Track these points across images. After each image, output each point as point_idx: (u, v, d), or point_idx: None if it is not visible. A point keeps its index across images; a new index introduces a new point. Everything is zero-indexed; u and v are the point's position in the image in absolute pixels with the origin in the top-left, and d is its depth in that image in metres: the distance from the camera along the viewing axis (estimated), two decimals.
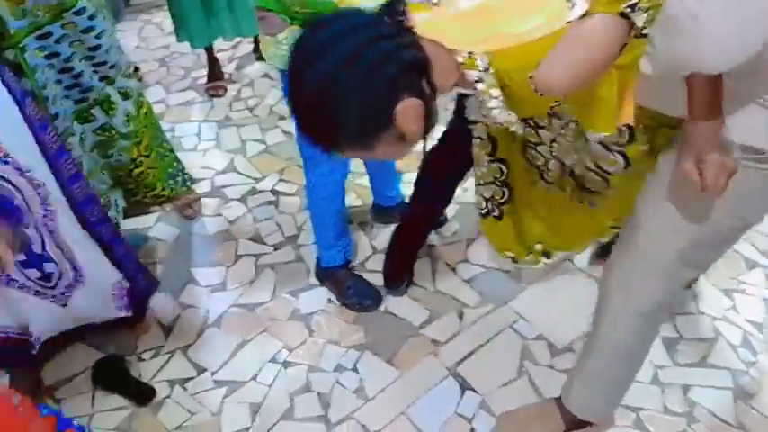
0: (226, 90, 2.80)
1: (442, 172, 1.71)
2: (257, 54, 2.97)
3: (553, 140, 1.29)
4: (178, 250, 2.10)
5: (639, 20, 0.85)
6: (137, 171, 1.92)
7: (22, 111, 1.29)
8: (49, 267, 1.44)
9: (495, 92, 0.94)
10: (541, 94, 0.91)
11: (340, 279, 1.90)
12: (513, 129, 1.01)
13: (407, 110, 0.85)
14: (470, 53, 0.90)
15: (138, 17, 3.40)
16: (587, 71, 0.89)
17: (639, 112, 1.08)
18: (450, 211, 2.08)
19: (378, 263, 1.99)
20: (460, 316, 1.85)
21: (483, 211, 1.58)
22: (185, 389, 1.70)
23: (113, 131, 1.77)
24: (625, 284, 1.24)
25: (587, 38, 0.86)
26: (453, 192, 1.81)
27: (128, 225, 2.08)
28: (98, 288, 1.57)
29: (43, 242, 1.40)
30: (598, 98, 0.99)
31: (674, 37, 0.81)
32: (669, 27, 0.81)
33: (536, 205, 1.52)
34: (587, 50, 0.87)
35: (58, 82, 1.57)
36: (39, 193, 1.34)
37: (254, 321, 1.86)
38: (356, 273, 1.94)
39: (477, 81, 0.92)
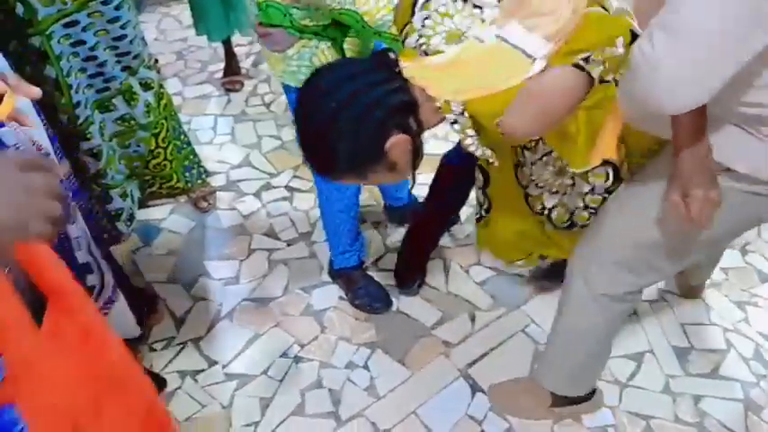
0: (242, 85, 2.81)
1: (456, 175, 1.72)
2: None
3: (533, 163, 1.31)
4: (192, 243, 2.11)
5: (595, 71, 0.94)
6: (154, 162, 1.93)
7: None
8: (91, 280, 1.36)
9: (470, 131, 1.05)
10: (507, 137, 1.01)
11: (352, 280, 1.90)
12: (490, 161, 1.11)
13: (396, 145, 0.98)
14: (446, 101, 1.01)
15: (156, 9, 3.42)
16: (545, 118, 0.99)
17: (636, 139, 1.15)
18: (463, 213, 2.08)
19: (390, 262, 2.00)
20: (472, 318, 1.85)
21: (477, 216, 1.58)
22: (196, 381, 1.70)
23: (133, 122, 1.78)
24: (584, 272, 1.30)
25: (545, 88, 0.96)
26: (467, 194, 1.81)
27: (141, 216, 2.09)
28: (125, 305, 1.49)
29: (88, 245, 1.33)
30: (568, 136, 1.08)
31: (634, 82, 0.86)
32: (630, 72, 0.87)
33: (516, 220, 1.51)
34: (545, 98, 0.97)
35: (83, 70, 1.58)
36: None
37: (267, 316, 1.87)
38: (369, 274, 1.94)
39: (453, 122, 1.03)
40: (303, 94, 1.00)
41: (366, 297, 1.88)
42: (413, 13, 1.04)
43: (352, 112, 0.95)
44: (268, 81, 2.87)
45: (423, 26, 1.03)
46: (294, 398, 1.66)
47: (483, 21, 1.00)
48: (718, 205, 0.98)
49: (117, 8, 1.56)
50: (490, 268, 2.00)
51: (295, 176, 2.36)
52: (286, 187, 2.30)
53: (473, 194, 1.81)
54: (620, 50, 0.94)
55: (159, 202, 2.20)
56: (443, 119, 1.04)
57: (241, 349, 1.78)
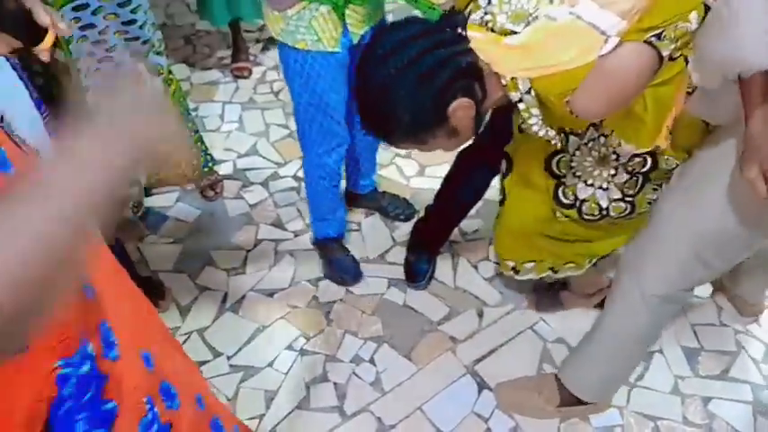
0: (251, 72, 2.78)
1: (472, 171, 1.70)
2: None
3: (577, 148, 1.29)
4: (198, 232, 2.09)
5: (666, 50, 0.92)
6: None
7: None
8: None
9: (535, 110, 1.03)
10: (577, 116, 0.98)
11: (328, 251, 1.94)
12: (553, 142, 1.08)
13: (460, 108, 0.95)
14: (513, 78, 0.98)
15: None
16: (618, 97, 0.97)
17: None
18: (473, 208, 2.05)
19: (398, 255, 1.98)
20: (480, 314, 1.84)
21: (500, 198, 1.56)
22: (201, 372, 1.69)
23: None
24: (636, 267, 1.27)
25: (616, 66, 0.93)
26: (483, 191, 1.79)
27: (148, 203, 2.07)
28: None
29: None
30: (634, 116, 1.05)
31: (715, 40, 0.85)
32: (710, 31, 0.85)
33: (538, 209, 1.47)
34: (617, 77, 0.94)
35: (92, 54, 1.56)
36: None
37: (273, 307, 1.85)
38: (346, 247, 1.96)
39: (518, 101, 1.00)
40: (366, 52, 0.97)
41: (339, 269, 1.92)
42: None
43: (417, 72, 0.91)
44: (276, 69, 2.83)
45: (489, 3, 1.00)
46: (299, 391, 1.65)
47: (551, 1, 0.97)
48: None
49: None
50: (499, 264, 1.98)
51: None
52: (294, 177, 2.28)
53: (490, 191, 1.80)
54: (694, 25, 0.91)
55: (165, 190, 2.18)
56: (504, 99, 1.02)
57: (246, 341, 1.77)
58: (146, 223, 2.09)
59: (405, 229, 2.06)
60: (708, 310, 1.85)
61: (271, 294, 1.89)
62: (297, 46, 1.45)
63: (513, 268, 1.61)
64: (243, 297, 1.88)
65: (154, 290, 1.83)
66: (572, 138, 1.28)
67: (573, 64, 0.93)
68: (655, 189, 1.36)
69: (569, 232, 1.46)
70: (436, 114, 0.95)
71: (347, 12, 1.43)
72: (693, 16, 0.91)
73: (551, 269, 1.59)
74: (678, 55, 0.97)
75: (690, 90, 1.15)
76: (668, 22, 0.90)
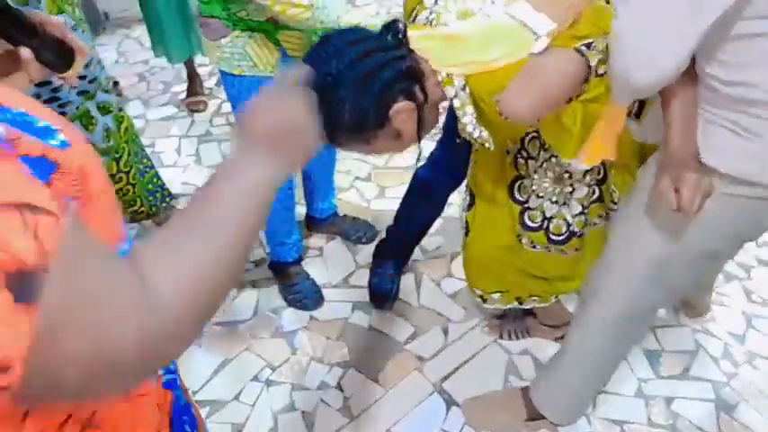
0: (206, 105, 2.78)
1: (428, 189, 1.73)
2: None
3: (535, 171, 1.34)
4: None
5: (594, 59, 0.95)
6: (116, 187, 1.89)
7: None
8: None
9: (470, 109, 1.04)
10: (506, 118, 1.00)
11: (287, 275, 1.94)
12: (487, 145, 1.09)
13: (401, 112, 0.96)
14: (449, 74, 1.00)
15: (117, 31, 3.37)
16: (545, 99, 0.98)
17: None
18: (434, 225, 2.08)
19: (361, 278, 1.98)
20: (445, 331, 1.85)
21: (465, 229, 1.59)
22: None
23: (92, 147, 1.74)
24: (597, 291, 1.29)
25: (545, 68, 0.96)
26: (440, 209, 1.82)
27: None
28: None
29: None
30: (562, 126, 1.08)
31: (611, 57, 0.90)
32: (610, 49, 0.90)
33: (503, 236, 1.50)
34: (545, 78, 0.96)
35: (36, 96, 1.54)
36: None
37: (236, 339, 1.83)
38: (305, 270, 1.96)
39: (453, 97, 1.02)
40: (311, 55, 0.98)
41: (298, 294, 1.91)
42: None
43: (358, 73, 0.93)
44: None
45: (435, 4, 1.04)
46: (267, 422, 1.63)
47: (493, 2, 1.01)
48: (709, 193, 0.97)
49: (71, 30, 1.53)
50: (461, 279, 1.99)
51: None
52: None
53: (449, 208, 1.84)
54: None
55: None
56: (442, 96, 1.03)
57: (211, 375, 1.74)
58: None
59: (367, 252, 2.06)
60: (665, 311, 1.89)
61: (234, 326, 1.87)
62: (234, 72, 1.49)
63: (481, 296, 1.63)
64: (206, 330, 1.86)
65: None
66: (530, 162, 1.32)
67: (503, 61, 0.96)
68: (604, 212, 1.41)
69: (535, 264, 1.49)
70: (377, 116, 0.96)
71: (281, 38, 1.46)
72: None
73: (517, 300, 1.62)
74: (604, 72, 1.00)
75: (633, 111, 1.20)
76: (597, 33, 0.94)
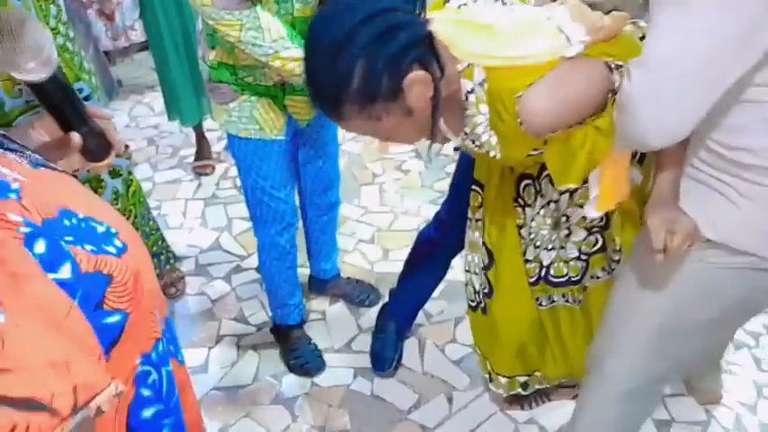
0: (214, 169, 2.84)
1: (432, 251, 1.73)
2: None
3: (532, 219, 1.33)
4: None
5: (616, 83, 0.94)
6: None
7: None
8: None
9: (484, 108, 0.98)
10: (521, 123, 0.94)
11: (289, 338, 1.91)
12: (492, 154, 1.03)
13: (416, 81, 0.88)
14: (470, 64, 0.94)
15: (129, 97, 3.48)
16: (567, 103, 0.95)
17: None
18: (437, 289, 2.07)
19: (363, 343, 1.96)
20: (450, 399, 1.80)
21: (473, 304, 1.57)
22: None
23: None
24: (600, 364, 1.24)
25: (574, 72, 0.94)
26: (444, 271, 1.82)
27: None
28: None
29: None
30: (569, 148, 1.04)
31: (618, 117, 0.88)
32: (616, 110, 0.89)
33: (522, 315, 1.49)
34: (571, 83, 0.94)
35: None
36: None
37: (236, 405, 1.79)
38: (307, 334, 1.94)
39: (469, 92, 0.96)
40: (319, 12, 0.92)
41: (300, 358, 1.88)
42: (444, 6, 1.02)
43: (373, 31, 0.85)
44: None
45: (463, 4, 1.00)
46: None
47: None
48: (696, 241, 0.96)
49: (86, 98, 1.58)
50: (466, 345, 1.97)
51: None
52: (256, 269, 2.27)
53: (452, 272, 1.83)
54: None
55: None
56: (457, 89, 0.97)
57: None
58: None
59: (370, 316, 2.04)
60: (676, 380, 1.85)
61: (234, 392, 1.83)
62: (240, 135, 1.52)
63: (489, 374, 1.62)
64: (205, 396, 1.82)
65: None
66: (527, 209, 1.31)
67: (535, 59, 0.93)
68: (607, 266, 1.40)
69: (550, 327, 1.48)
70: (390, 81, 0.87)
71: (287, 102, 1.51)
72: None
73: (522, 386, 1.61)
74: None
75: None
76: (625, 57, 0.93)
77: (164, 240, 2.09)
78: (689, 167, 0.97)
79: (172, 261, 2.14)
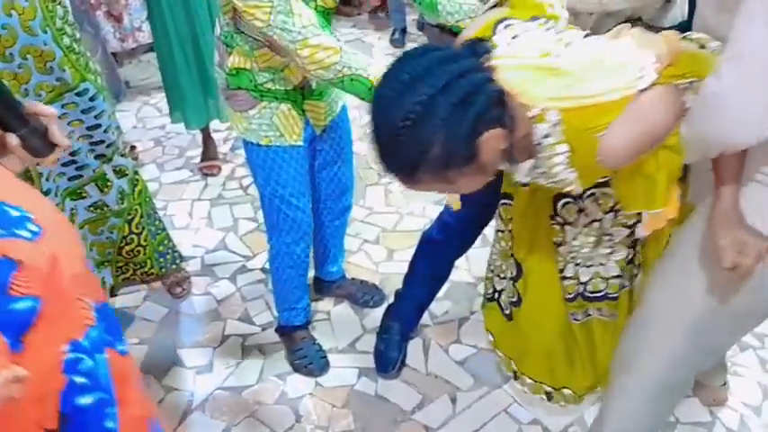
0: (220, 169, 2.85)
1: (436, 251, 1.73)
2: None
3: (574, 238, 1.31)
4: (164, 331, 2.06)
5: (689, 100, 0.92)
6: (127, 248, 1.91)
7: None
8: None
9: (562, 147, 0.96)
10: (600, 160, 0.94)
11: (294, 339, 1.91)
12: (571, 188, 1.03)
13: (491, 140, 0.88)
14: (543, 108, 0.93)
15: (137, 98, 3.50)
16: (646, 136, 0.94)
17: None
18: (441, 290, 2.07)
19: (368, 344, 1.96)
20: (453, 400, 1.80)
21: (488, 296, 1.57)
22: None
23: (106, 209, 1.78)
24: (633, 364, 1.22)
25: (651, 103, 0.92)
26: (449, 271, 1.82)
27: (114, 303, 2.05)
28: None
29: None
30: (642, 176, 1.02)
31: (703, 118, 0.86)
32: (698, 110, 0.87)
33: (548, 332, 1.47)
34: (651, 117, 0.93)
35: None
36: None
37: (240, 405, 1.80)
38: (312, 335, 1.94)
39: (545, 136, 0.95)
40: (386, 80, 0.89)
41: (304, 358, 1.88)
42: (494, 33, 1.00)
43: (451, 98, 0.83)
44: (245, 165, 2.90)
45: (509, 44, 0.97)
46: None
47: (570, 43, 0.98)
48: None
49: (92, 99, 1.59)
50: (470, 346, 1.97)
51: None
52: (261, 269, 2.28)
53: (456, 273, 1.83)
54: None
55: (133, 289, 2.17)
56: (528, 134, 0.95)
57: None
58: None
59: (374, 316, 2.05)
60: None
61: (239, 392, 1.84)
62: (261, 143, 1.51)
63: (515, 372, 1.61)
64: (210, 395, 1.83)
65: None
66: (567, 228, 1.30)
67: (609, 96, 0.91)
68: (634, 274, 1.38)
69: (583, 341, 1.47)
70: (470, 146, 0.86)
71: (306, 107, 1.51)
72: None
73: (547, 395, 1.60)
74: None
75: None
76: (691, 74, 0.92)
77: (170, 240, 2.10)
78: (754, 173, 0.94)
79: (178, 261, 2.15)
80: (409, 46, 4.05)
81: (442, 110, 0.83)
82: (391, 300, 1.97)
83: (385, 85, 0.89)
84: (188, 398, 1.82)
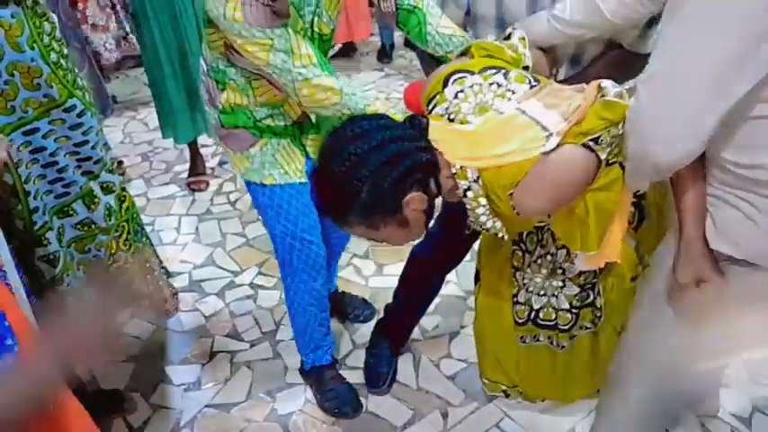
0: (208, 184, 2.84)
1: (425, 268, 1.73)
2: None
3: (529, 266, 1.34)
4: (152, 348, 2.03)
5: (603, 153, 0.97)
6: (115, 266, 1.89)
7: None
8: None
9: (483, 200, 1.05)
10: (518, 213, 1.02)
11: (323, 381, 1.82)
12: (500, 235, 1.09)
13: (413, 201, 1.01)
14: (462, 167, 1.03)
15: (124, 113, 3.49)
16: (558, 195, 1.00)
17: None
18: (432, 304, 2.06)
19: (358, 359, 1.95)
20: (444, 415, 1.79)
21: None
22: None
23: (93, 226, 1.76)
24: (620, 388, 1.22)
25: (558, 165, 0.98)
26: (438, 288, 1.81)
27: None
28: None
29: None
30: (576, 218, 1.08)
31: (628, 139, 0.90)
32: (625, 133, 0.91)
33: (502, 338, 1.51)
34: (557, 175, 0.98)
35: (42, 176, 1.58)
36: None
37: (229, 423, 1.77)
38: (340, 374, 1.87)
39: (467, 189, 1.04)
40: (334, 134, 1.03)
41: (335, 400, 1.80)
42: (445, 86, 1.10)
43: (382, 156, 0.97)
44: (234, 180, 2.90)
45: (455, 97, 1.08)
46: None
47: (509, 99, 1.05)
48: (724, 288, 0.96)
49: (80, 115, 1.58)
50: (461, 360, 1.96)
51: (260, 273, 2.33)
52: (250, 285, 2.27)
53: (447, 287, 1.83)
54: (623, 130, 0.97)
55: None
56: (454, 188, 1.05)
57: None
58: None
59: (364, 331, 2.04)
60: None
61: (227, 409, 1.82)
62: (265, 182, 1.45)
63: (504, 392, 1.63)
64: (198, 413, 1.80)
65: (110, 401, 1.76)
66: (526, 255, 1.33)
67: (516, 156, 0.98)
68: (595, 319, 1.40)
69: (531, 361, 1.50)
70: (392, 201, 0.99)
71: (306, 141, 1.48)
72: (621, 125, 0.96)
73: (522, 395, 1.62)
74: (614, 161, 1.02)
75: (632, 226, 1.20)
76: (602, 126, 0.96)
77: (157, 257, 2.08)
78: (716, 192, 0.95)
79: (165, 278, 2.13)
80: (397, 62, 4.09)
81: (371, 163, 0.97)
82: (381, 314, 1.96)
83: (332, 139, 1.03)
84: (176, 416, 1.80)
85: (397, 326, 1.91)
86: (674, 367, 1.13)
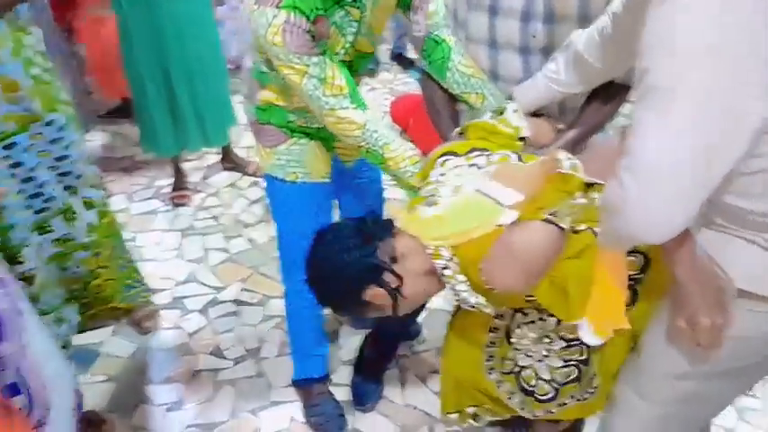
0: (191, 199, 2.80)
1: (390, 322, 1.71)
2: (225, 164, 3.02)
3: (518, 326, 1.30)
4: (132, 367, 1.99)
5: (565, 222, 1.00)
6: (94, 283, 1.85)
7: None
8: (17, 401, 1.18)
9: (461, 277, 1.08)
10: (492, 289, 1.04)
11: (311, 394, 1.82)
12: (486, 310, 1.11)
13: (373, 296, 1.11)
14: (436, 247, 1.07)
15: (105, 127, 3.44)
16: (524, 269, 1.02)
17: None
18: (417, 319, 2.05)
19: (345, 376, 1.92)
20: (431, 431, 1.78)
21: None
22: None
23: (72, 242, 1.72)
24: (627, 405, 1.21)
25: (518, 241, 1.01)
26: (422, 306, 1.80)
27: (80, 339, 1.97)
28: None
29: (17, 366, 1.18)
30: (558, 289, 1.08)
31: (615, 221, 0.89)
32: (608, 214, 0.90)
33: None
34: (519, 251, 1.01)
35: (20, 191, 1.54)
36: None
37: None
38: (330, 390, 1.85)
39: (444, 269, 1.07)
40: (318, 238, 1.17)
41: (320, 416, 1.78)
42: (433, 168, 1.18)
43: (336, 263, 1.11)
44: (217, 194, 2.87)
45: (437, 180, 1.15)
46: None
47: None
48: (726, 326, 0.96)
49: (60, 129, 1.56)
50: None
51: (243, 289, 2.30)
52: (233, 301, 2.24)
53: (433, 301, 1.81)
54: (582, 200, 1.01)
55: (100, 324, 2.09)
56: (432, 268, 1.08)
57: None
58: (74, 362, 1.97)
59: (350, 348, 2.02)
60: None
61: (210, 429, 1.78)
62: (287, 179, 1.47)
63: (473, 415, 1.56)
64: None
65: (88, 425, 1.71)
66: (517, 314, 1.28)
67: (477, 231, 1.02)
68: (579, 395, 1.36)
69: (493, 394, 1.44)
70: (356, 299, 1.12)
71: (336, 145, 1.49)
72: (578, 194, 1.00)
73: (474, 418, 1.52)
74: (583, 228, 1.04)
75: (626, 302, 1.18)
76: (560, 198, 0.99)
77: (137, 273, 2.03)
78: (713, 225, 0.96)
79: (145, 294, 2.08)
80: (382, 76, 4.10)
81: (330, 270, 1.13)
82: (368, 331, 1.94)
83: (316, 238, 1.17)
84: None
85: (382, 342, 1.90)
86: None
